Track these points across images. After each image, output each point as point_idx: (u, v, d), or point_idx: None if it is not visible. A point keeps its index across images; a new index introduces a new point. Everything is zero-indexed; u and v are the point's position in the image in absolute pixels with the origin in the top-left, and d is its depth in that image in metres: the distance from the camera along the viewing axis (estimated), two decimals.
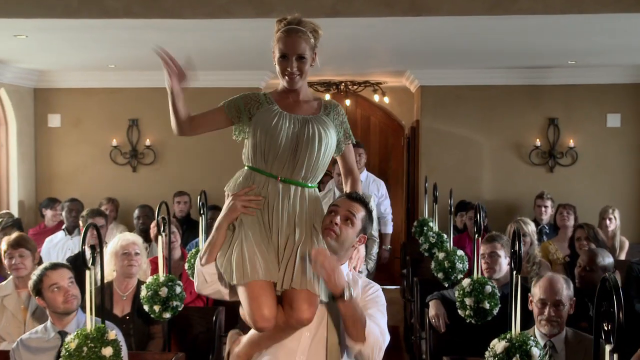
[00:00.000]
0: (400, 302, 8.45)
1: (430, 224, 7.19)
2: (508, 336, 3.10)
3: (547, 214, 7.51)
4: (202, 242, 5.28)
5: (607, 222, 6.97)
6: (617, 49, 6.65)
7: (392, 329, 8.31)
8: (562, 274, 5.81)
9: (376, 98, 10.06)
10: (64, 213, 7.36)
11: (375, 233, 6.43)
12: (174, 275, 5.72)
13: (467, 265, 5.38)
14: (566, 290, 3.87)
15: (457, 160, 8.39)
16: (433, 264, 5.40)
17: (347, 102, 10.33)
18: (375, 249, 6.46)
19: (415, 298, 5.92)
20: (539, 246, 6.19)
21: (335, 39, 5.74)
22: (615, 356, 2.19)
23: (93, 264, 3.12)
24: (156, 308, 4.23)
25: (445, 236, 6.29)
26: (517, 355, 2.99)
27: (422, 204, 7.67)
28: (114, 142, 8.50)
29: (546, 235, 7.40)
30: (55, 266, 3.89)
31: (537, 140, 8.22)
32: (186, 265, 5.28)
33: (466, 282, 4.20)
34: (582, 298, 4.63)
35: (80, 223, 6.18)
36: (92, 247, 3.13)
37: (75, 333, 3.18)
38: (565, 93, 8.23)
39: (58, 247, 7.05)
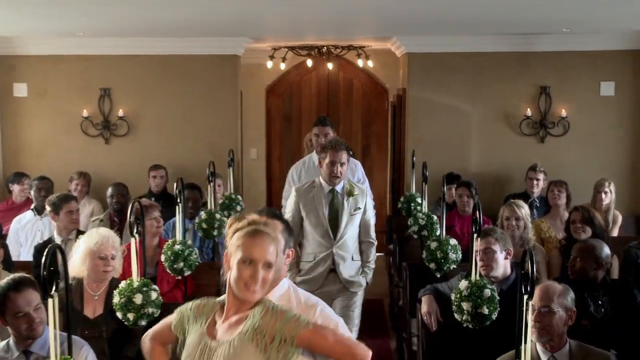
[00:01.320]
0: (384, 272, 8.23)
1: (418, 199, 6.95)
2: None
3: (538, 188, 7.27)
4: (179, 224, 5.00)
5: (603, 195, 6.78)
6: (613, 15, 6.31)
7: (376, 302, 8.15)
8: (558, 258, 5.61)
9: (360, 63, 9.66)
10: (32, 192, 6.99)
11: (373, 234, 5.42)
12: (150, 264, 5.47)
13: (460, 255, 5.12)
14: (560, 298, 3.55)
15: (444, 130, 8.06)
16: (424, 254, 5.14)
17: (330, 65, 9.95)
18: (373, 254, 5.39)
19: (405, 285, 5.67)
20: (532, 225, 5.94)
21: (316, 8, 5.36)
22: None
23: (57, 290, 2.79)
24: (130, 316, 3.93)
25: (435, 218, 6.03)
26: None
27: (409, 176, 7.39)
28: (85, 113, 8.03)
29: (536, 209, 7.18)
30: (19, 287, 3.48)
31: (528, 109, 7.89)
32: (162, 257, 4.99)
33: (463, 285, 3.93)
34: (580, 293, 4.38)
35: (47, 208, 5.79)
36: (55, 272, 2.78)
37: None
38: (558, 60, 7.88)
39: (27, 228, 6.71)
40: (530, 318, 3.36)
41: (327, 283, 5.23)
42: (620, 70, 7.86)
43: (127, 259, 4.65)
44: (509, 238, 4.54)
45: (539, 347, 3.53)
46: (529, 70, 7.92)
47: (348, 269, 5.25)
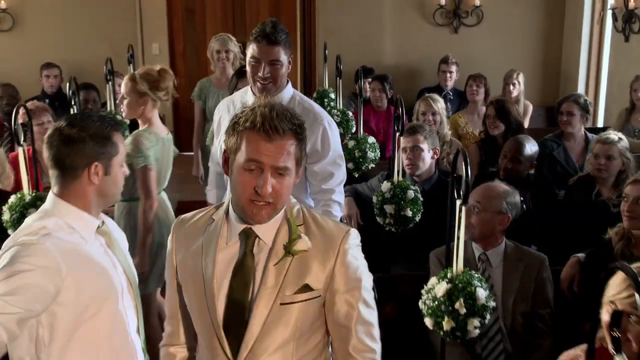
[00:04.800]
0: None
1: (332, 95, 6.68)
2: (449, 275, 2.67)
3: (451, 80, 7.12)
4: None
5: (511, 87, 6.70)
6: None
7: None
8: (476, 153, 5.48)
9: None
10: None
11: (370, 337, 2.11)
12: (47, 173, 5.03)
13: (379, 154, 4.91)
14: (500, 200, 3.38)
15: (356, 21, 7.70)
16: None
17: None
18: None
19: None
20: (448, 121, 5.79)
21: None
22: None
23: None
24: None
25: (350, 114, 5.79)
26: (461, 299, 2.55)
27: (322, 70, 7.07)
28: None
29: (450, 102, 7.05)
30: None
31: None
32: None
33: (385, 186, 3.74)
34: None
35: None
36: None
37: None
38: None
39: None
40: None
41: None
42: None
43: (18, 169, 4.25)
44: (436, 136, 4.35)
45: (474, 244, 3.38)
46: None
47: None
